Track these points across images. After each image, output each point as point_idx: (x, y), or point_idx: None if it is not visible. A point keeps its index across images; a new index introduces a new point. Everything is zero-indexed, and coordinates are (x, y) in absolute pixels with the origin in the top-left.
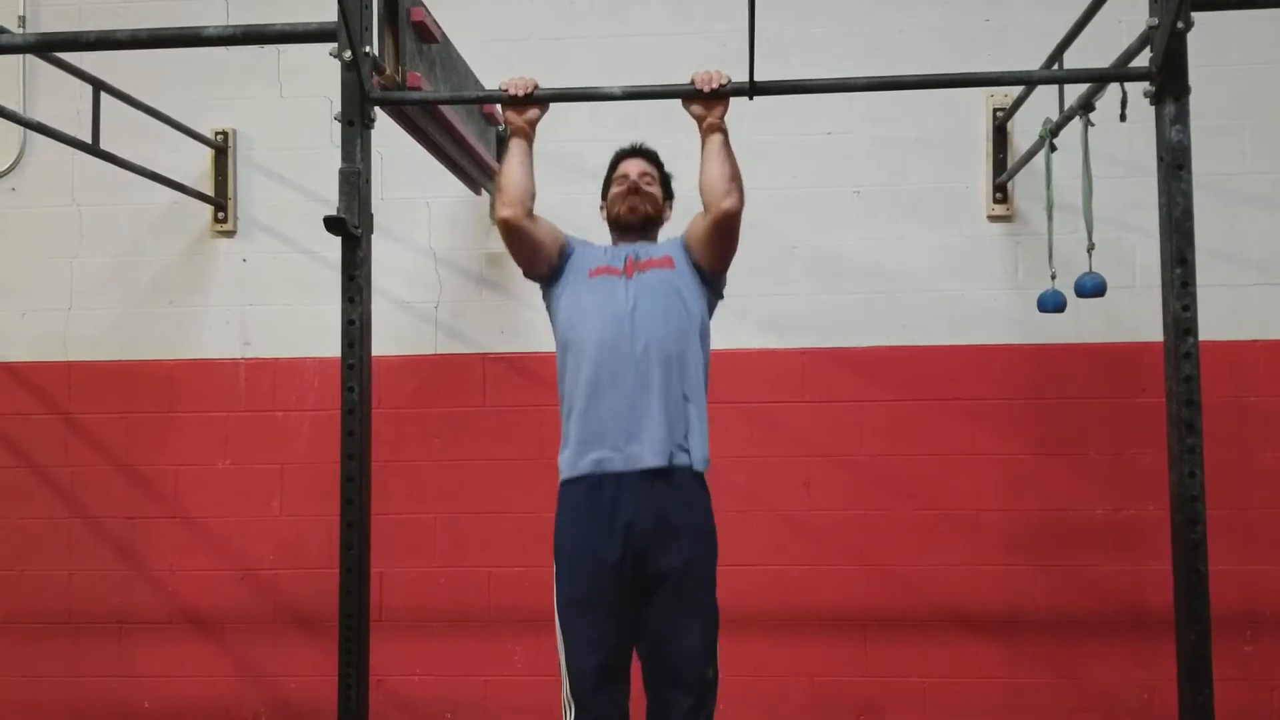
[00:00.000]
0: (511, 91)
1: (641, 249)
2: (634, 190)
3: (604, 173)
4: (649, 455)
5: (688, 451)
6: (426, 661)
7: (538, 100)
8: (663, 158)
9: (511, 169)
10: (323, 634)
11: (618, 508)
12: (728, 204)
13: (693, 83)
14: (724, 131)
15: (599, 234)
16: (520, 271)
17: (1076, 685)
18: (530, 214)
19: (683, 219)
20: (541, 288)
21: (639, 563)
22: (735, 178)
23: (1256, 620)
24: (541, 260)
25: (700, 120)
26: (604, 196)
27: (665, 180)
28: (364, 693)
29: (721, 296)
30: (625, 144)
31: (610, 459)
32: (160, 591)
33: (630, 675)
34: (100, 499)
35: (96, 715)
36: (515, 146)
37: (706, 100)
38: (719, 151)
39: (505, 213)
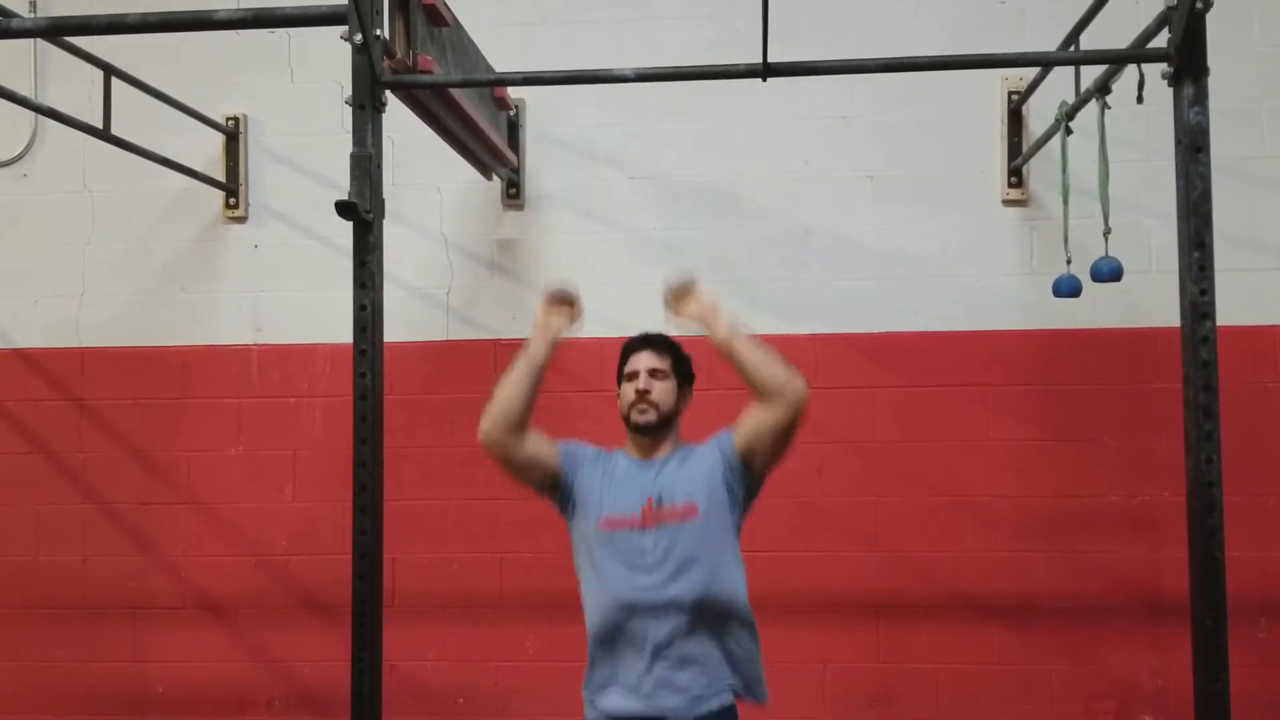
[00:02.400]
0: (550, 291)
1: (663, 488)
2: (642, 395)
3: (612, 156)
4: (679, 708)
5: (730, 692)
6: (439, 647)
7: (570, 299)
8: (673, 139)
9: (512, 383)
10: (336, 620)
11: None
12: (796, 387)
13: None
14: (737, 332)
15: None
16: (533, 258)
17: (1091, 672)
18: (514, 432)
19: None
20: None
21: None
22: (786, 364)
23: (1272, 607)
24: (527, 482)
25: (704, 324)
26: (618, 386)
27: (680, 365)
28: (377, 678)
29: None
30: (635, 334)
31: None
32: (174, 577)
33: None
34: (114, 485)
35: (110, 700)
36: (530, 358)
37: (681, 300)
38: (751, 352)
39: (484, 424)
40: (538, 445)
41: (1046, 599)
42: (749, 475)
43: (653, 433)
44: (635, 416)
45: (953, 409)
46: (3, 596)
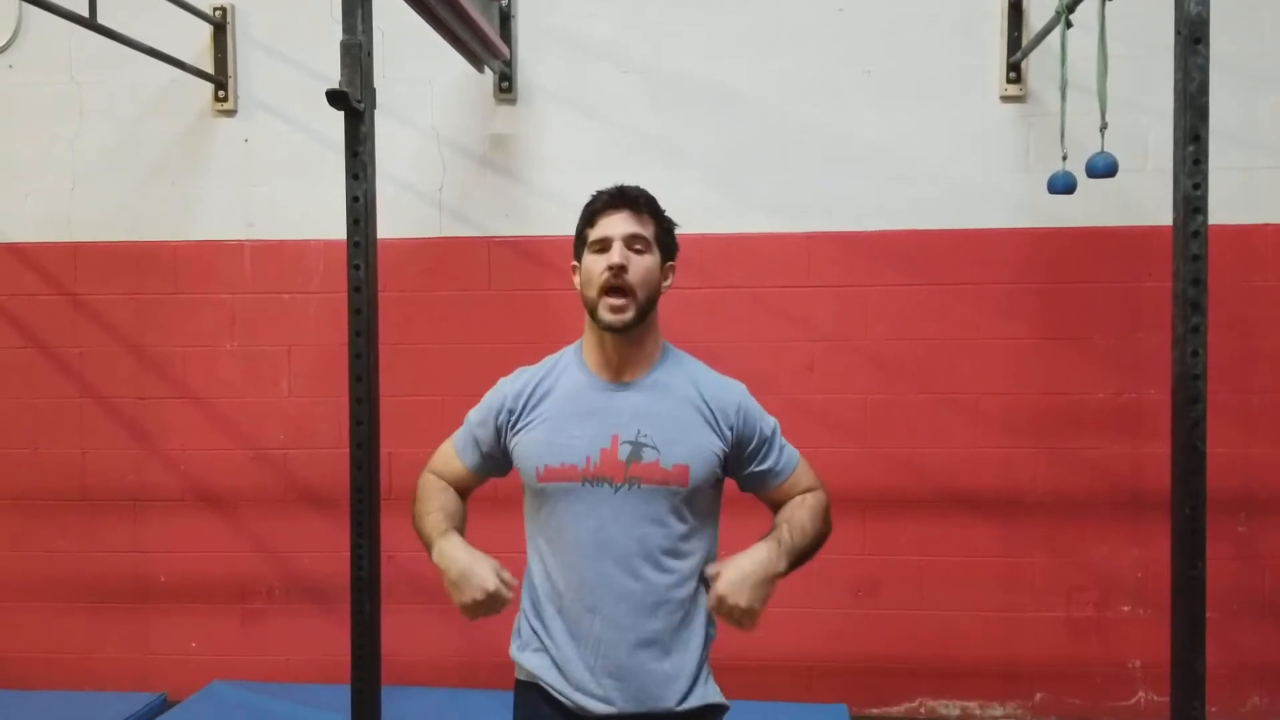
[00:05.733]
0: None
1: (640, 427)
2: (618, 273)
3: (605, 49)
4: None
5: (678, 690)
6: None
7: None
8: (668, 32)
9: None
10: (334, 512)
11: None
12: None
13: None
14: (789, 549)
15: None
16: (526, 154)
17: (1072, 565)
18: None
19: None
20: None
21: None
22: (823, 520)
23: (1252, 502)
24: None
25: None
26: (576, 256)
27: (665, 235)
28: (376, 564)
29: None
30: (606, 186)
31: (562, 693)
32: (172, 470)
33: None
34: (110, 379)
35: (114, 589)
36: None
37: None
38: (806, 547)
39: None
40: (467, 479)
41: (1031, 494)
42: (723, 474)
43: (628, 332)
44: (607, 314)
45: (945, 307)
46: (3, 488)
